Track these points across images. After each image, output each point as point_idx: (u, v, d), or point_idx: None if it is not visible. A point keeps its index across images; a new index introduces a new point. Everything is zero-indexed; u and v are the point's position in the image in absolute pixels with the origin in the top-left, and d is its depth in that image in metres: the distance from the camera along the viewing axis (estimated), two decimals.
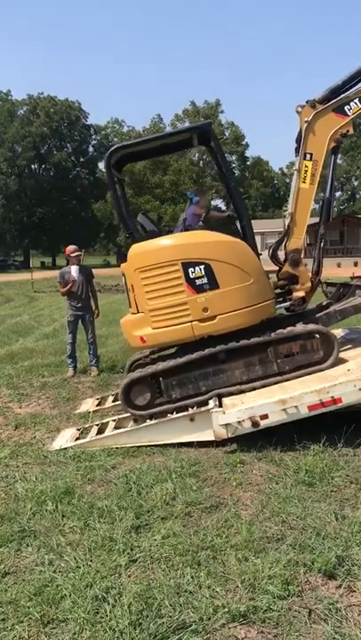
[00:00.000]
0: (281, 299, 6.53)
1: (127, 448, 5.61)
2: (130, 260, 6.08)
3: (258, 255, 6.09)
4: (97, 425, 6.27)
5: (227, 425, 5.34)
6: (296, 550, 3.53)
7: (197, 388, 5.92)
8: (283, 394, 5.40)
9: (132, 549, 3.66)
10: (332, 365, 5.81)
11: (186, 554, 3.55)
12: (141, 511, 4.18)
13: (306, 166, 6.24)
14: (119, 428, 6.03)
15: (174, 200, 49.23)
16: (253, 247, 6.08)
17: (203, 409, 5.66)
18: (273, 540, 3.70)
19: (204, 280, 5.78)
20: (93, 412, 6.94)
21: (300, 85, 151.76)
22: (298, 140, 6.36)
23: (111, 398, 7.37)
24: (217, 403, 5.70)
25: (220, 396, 5.83)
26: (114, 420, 6.27)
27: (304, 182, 6.26)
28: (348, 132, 6.33)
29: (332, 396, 5.20)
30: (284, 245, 6.44)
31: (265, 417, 5.26)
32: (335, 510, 4.04)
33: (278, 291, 6.52)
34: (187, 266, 5.79)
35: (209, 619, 2.95)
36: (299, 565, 3.38)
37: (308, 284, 6.44)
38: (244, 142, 54.28)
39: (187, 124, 52.86)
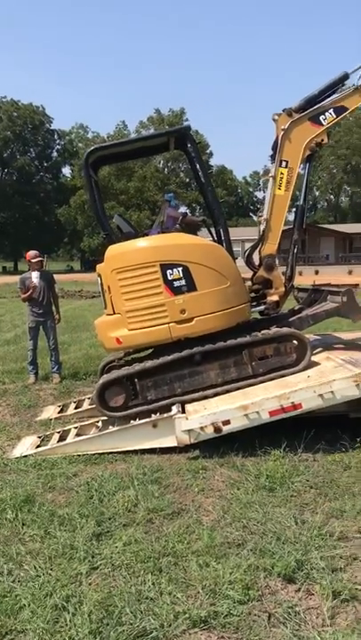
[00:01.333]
0: (255, 303, 6.62)
1: (89, 455, 5.57)
2: (107, 260, 6.07)
3: (234, 259, 6.18)
4: (58, 432, 6.21)
5: (189, 431, 5.36)
6: (257, 555, 3.57)
7: (173, 389, 5.93)
8: (245, 399, 5.46)
9: (93, 557, 3.63)
10: (305, 368, 5.91)
11: (147, 560, 3.55)
12: (103, 518, 4.15)
13: (282, 173, 6.38)
14: (81, 435, 5.98)
15: (139, 206, 49.25)
16: (230, 251, 6.17)
17: (165, 415, 5.67)
18: (234, 545, 3.73)
19: (182, 282, 5.82)
20: (55, 419, 6.87)
21: (264, 96, 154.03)
22: (274, 148, 6.49)
23: (73, 405, 7.31)
24: (180, 409, 5.72)
25: (184, 403, 5.85)
26: (75, 428, 6.22)
27: (280, 189, 6.40)
28: (322, 141, 6.50)
29: (292, 402, 5.29)
30: (259, 250, 6.54)
31: (227, 423, 5.31)
32: (295, 515, 4.09)
33: (253, 295, 6.62)
34: (165, 267, 5.82)
35: (170, 625, 2.95)
36: (259, 570, 3.41)
37: (282, 289, 6.57)
38: (208, 151, 54.77)
39: (151, 131, 53.18)
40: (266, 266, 6.49)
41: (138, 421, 5.76)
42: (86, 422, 6.37)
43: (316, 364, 6.07)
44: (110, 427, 5.90)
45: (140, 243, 6.12)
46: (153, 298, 5.84)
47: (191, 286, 5.83)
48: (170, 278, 5.82)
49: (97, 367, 9.43)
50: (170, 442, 5.53)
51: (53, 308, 9.08)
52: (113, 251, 6.07)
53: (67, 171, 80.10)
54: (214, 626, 2.95)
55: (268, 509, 4.19)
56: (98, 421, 6.34)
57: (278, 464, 4.98)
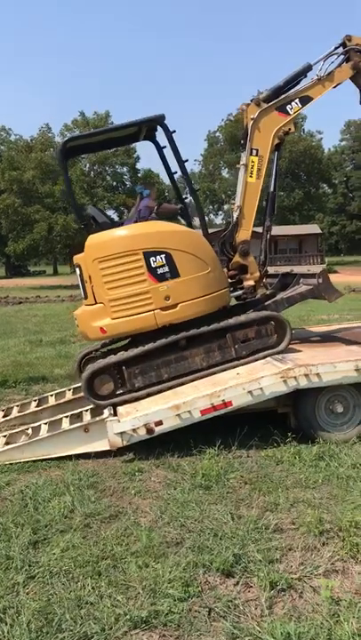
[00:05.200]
0: (232, 288, 6.71)
1: (22, 464, 5.44)
2: (87, 250, 6.02)
3: (211, 245, 6.29)
4: None
5: (122, 433, 5.34)
6: (195, 552, 3.61)
7: (160, 375, 5.94)
8: (176, 399, 5.50)
9: (30, 566, 3.55)
10: (284, 349, 6.09)
11: (86, 565, 3.51)
12: (39, 526, 4.07)
13: (252, 161, 6.55)
14: (10, 443, 5.82)
15: (65, 210, 48.47)
16: (207, 238, 6.28)
17: (97, 418, 5.63)
18: (172, 544, 3.76)
19: (166, 269, 5.89)
20: None
21: (191, 101, 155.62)
22: (244, 137, 6.64)
23: (1, 414, 7.10)
24: (112, 411, 5.69)
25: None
26: (4, 436, 6.04)
27: (251, 176, 6.56)
28: (290, 129, 6.72)
29: (223, 400, 5.38)
30: (233, 237, 6.64)
31: (159, 423, 5.34)
32: (231, 511, 4.17)
33: (230, 280, 6.71)
34: (148, 255, 5.86)
35: (111, 628, 2.93)
36: (198, 567, 3.45)
37: (257, 274, 6.73)
38: (135, 155, 54.77)
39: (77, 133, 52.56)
40: (241, 252, 6.62)
41: (69, 426, 5.68)
42: (15, 430, 6.21)
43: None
44: (41, 433, 5.79)
45: (122, 231, 6.16)
46: (137, 285, 5.87)
47: (175, 273, 5.91)
48: (153, 265, 5.87)
49: (27, 374, 9.32)
50: (103, 445, 5.49)
51: None
52: (93, 240, 6.04)
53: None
54: (155, 625, 2.96)
55: (205, 507, 4.24)
56: (27, 428, 6.19)
57: (213, 462, 5.05)
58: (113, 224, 6.55)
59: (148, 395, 5.89)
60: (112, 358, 6.00)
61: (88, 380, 5.89)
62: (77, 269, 6.25)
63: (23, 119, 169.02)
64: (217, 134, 71.77)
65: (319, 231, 59.49)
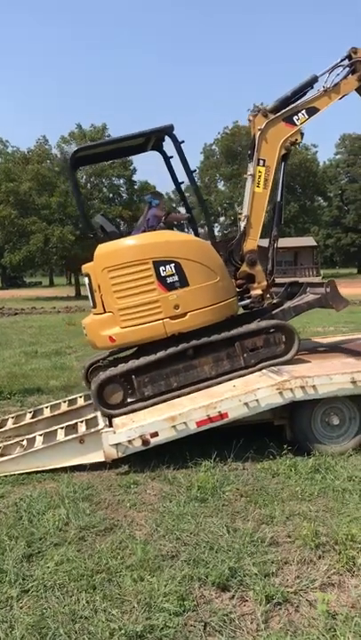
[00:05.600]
0: (239, 297, 6.74)
1: (17, 476, 5.41)
2: (97, 259, 6.05)
3: (220, 255, 6.32)
4: None
5: (117, 444, 5.32)
6: (190, 566, 3.58)
7: (169, 384, 5.95)
8: (172, 411, 5.49)
9: (23, 579, 3.52)
10: (292, 358, 6.12)
11: (80, 579, 3.48)
12: (33, 539, 4.04)
13: (260, 171, 6.61)
14: (5, 455, 5.79)
15: (62, 221, 48.55)
16: (216, 247, 6.33)
17: (92, 430, 5.60)
18: (168, 557, 3.73)
19: (175, 278, 5.93)
20: None
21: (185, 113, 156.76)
22: (251, 147, 6.71)
23: None
24: (107, 423, 5.67)
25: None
26: None
27: (258, 187, 6.62)
28: (296, 140, 6.76)
29: (219, 411, 5.38)
30: (241, 246, 6.69)
31: (155, 435, 5.32)
32: (227, 523, 4.14)
33: (237, 290, 6.73)
34: (158, 264, 5.89)
35: None
36: (193, 580, 3.42)
37: (265, 282, 6.76)
38: (131, 167, 54.97)
39: (73, 147, 52.73)
40: (248, 261, 6.66)
41: (64, 437, 5.66)
42: (10, 442, 6.18)
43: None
44: (36, 445, 5.76)
45: (131, 241, 6.20)
46: (146, 294, 5.90)
47: (184, 282, 5.95)
48: (163, 275, 5.90)
49: (22, 386, 9.29)
50: (98, 457, 5.46)
51: None
52: (103, 249, 6.07)
53: None
54: None
55: (201, 520, 4.22)
56: (22, 440, 6.16)
57: (209, 474, 5.03)
58: (121, 234, 6.59)
59: (156, 404, 5.91)
60: (122, 367, 6.01)
61: (98, 389, 5.90)
62: (86, 278, 6.27)
63: (18, 132, 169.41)
64: (213, 147, 72.19)
65: (315, 244, 59.80)
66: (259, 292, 6.73)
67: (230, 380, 5.99)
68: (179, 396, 5.91)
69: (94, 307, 6.18)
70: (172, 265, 5.92)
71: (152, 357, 5.94)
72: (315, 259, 57.58)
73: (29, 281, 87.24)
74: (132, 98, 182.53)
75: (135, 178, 56.17)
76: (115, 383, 5.96)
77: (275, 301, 7.10)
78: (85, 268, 6.26)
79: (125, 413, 5.87)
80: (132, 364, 5.98)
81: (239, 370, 6.08)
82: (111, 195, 54.99)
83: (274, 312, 6.64)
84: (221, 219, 71.12)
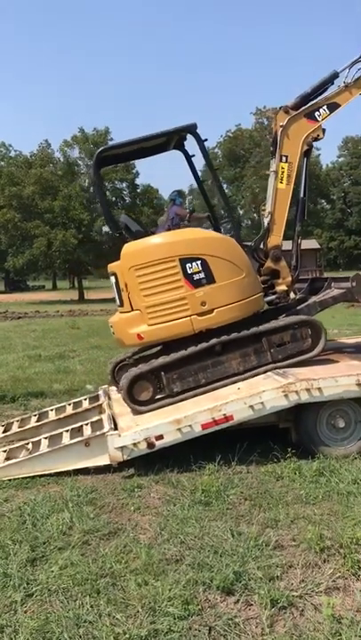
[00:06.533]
0: (264, 293, 6.75)
1: (20, 480, 5.40)
2: (123, 258, 6.10)
3: (245, 252, 6.36)
4: None
5: (122, 447, 5.32)
6: (195, 570, 3.57)
7: (197, 380, 5.99)
8: (177, 414, 5.48)
9: (28, 583, 3.51)
10: (319, 354, 6.15)
11: (85, 583, 3.47)
12: (37, 543, 4.03)
13: (282, 168, 6.65)
14: (10, 459, 5.79)
15: (65, 225, 48.54)
16: (240, 243, 6.36)
17: (98, 432, 5.60)
18: (172, 561, 3.72)
19: (202, 275, 5.97)
20: None
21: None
22: (273, 144, 6.73)
23: (1, 429, 7.06)
24: (112, 425, 5.67)
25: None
26: (4, 451, 6.01)
27: (281, 183, 6.67)
28: (318, 136, 6.77)
29: (224, 414, 5.37)
30: (265, 243, 6.72)
31: (160, 437, 5.31)
32: (231, 527, 4.13)
33: (262, 286, 6.74)
34: (184, 262, 5.94)
35: None
36: (198, 584, 3.41)
37: (289, 278, 6.77)
38: (134, 170, 54.99)
39: (76, 151, 52.81)
40: (273, 257, 6.69)
41: (69, 441, 5.65)
42: (15, 445, 6.17)
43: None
44: (41, 448, 5.75)
45: (157, 239, 6.26)
46: (173, 292, 5.95)
47: (210, 278, 5.99)
48: (189, 272, 5.95)
49: (25, 389, 9.30)
50: (103, 460, 5.46)
51: None
52: (129, 248, 6.13)
53: None
54: None
55: (205, 523, 4.21)
56: (28, 443, 6.15)
57: (213, 478, 5.01)
58: (147, 232, 6.62)
59: (185, 399, 5.94)
60: (152, 364, 6.05)
61: (128, 386, 5.95)
62: (113, 277, 6.31)
63: (21, 135, 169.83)
64: (215, 150, 72.30)
65: (318, 246, 59.78)
66: (284, 287, 6.75)
67: (257, 375, 6.02)
68: (206, 392, 5.95)
69: (121, 305, 6.24)
70: (199, 262, 5.97)
71: (181, 354, 5.98)
72: (318, 261, 57.51)
73: (32, 285, 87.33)
74: (134, 102, 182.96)
75: (138, 181, 56.12)
76: (144, 380, 6.02)
77: (298, 297, 7.11)
78: (112, 267, 6.31)
79: (154, 409, 5.92)
80: (162, 360, 6.02)
81: (266, 365, 6.10)
82: (114, 198, 54.97)
83: (299, 307, 6.66)
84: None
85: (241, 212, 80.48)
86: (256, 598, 3.27)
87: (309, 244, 58.72)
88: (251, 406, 5.38)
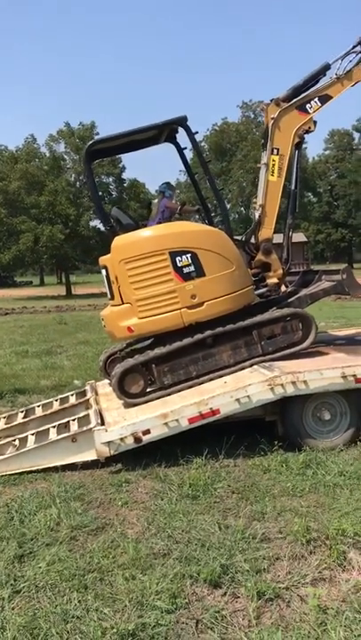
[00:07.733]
0: (255, 286, 6.75)
1: (7, 476, 5.39)
2: (114, 251, 6.11)
3: (235, 245, 6.36)
4: None
5: (109, 442, 5.32)
6: (182, 563, 3.58)
7: (188, 373, 6.02)
8: (164, 408, 5.49)
9: (15, 580, 3.51)
10: (309, 346, 6.19)
11: (72, 578, 3.48)
12: (24, 540, 4.03)
13: (273, 160, 6.65)
14: None
15: (51, 220, 48.29)
16: (231, 237, 6.37)
17: (85, 428, 5.59)
18: (160, 555, 3.73)
19: (191, 268, 5.99)
20: None
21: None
22: (265, 136, 6.73)
23: None
24: (99, 421, 5.66)
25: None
26: None
27: (272, 175, 6.67)
28: (309, 128, 6.76)
29: (210, 408, 5.38)
30: (256, 236, 6.72)
31: (147, 432, 5.32)
32: (218, 520, 4.15)
33: (253, 278, 6.74)
34: (174, 255, 5.96)
35: None
36: (185, 578, 3.42)
37: (280, 271, 6.78)
38: (120, 165, 54.76)
39: (62, 146, 52.46)
40: (264, 250, 6.70)
41: (57, 436, 5.64)
42: (2, 442, 6.14)
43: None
44: (28, 444, 5.73)
45: (147, 232, 6.27)
46: (163, 285, 5.97)
47: (200, 272, 6.01)
48: (179, 265, 5.97)
49: (12, 386, 9.26)
50: (90, 455, 5.46)
51: None
52: (120, 241, 6.14)
53: None
54: (143, 638, 2.93)
55: (192, 517, 4.22)
56: (15, 440, 6.13)
57: (200, 472, 5.03)
58: (137, 226, 6.62)
59: (176, 392, 5.98)
60: (143, 357, 6.06)
61: (119, 378, 5.97)
62: (103, 270, 6.31)
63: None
64: (202, 144, 72.18)
65: (305, 239, 60.01)
66: (275, 280, 6.77)
67: (249, 367, 6.05)
68: (198, 384, 5.99)
69: (112, 298, 6.25)
70: (189, 255, 5.98)
71: (172, 346, 5.99)
72: (305, 254, 57.77)
73: (20, 280, 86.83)
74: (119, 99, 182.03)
75: (124, 176, 55.96)
76: (136, 372, 6.03)
77: (289, 290, 7.14)
78: (102, 260, 6.32)
79: (146, 402, 5.94)
80: (153, 352, 6.03)
81: (257, 357, 6.12)
82: (101, 193, 54.71)
83: (290, 300, 6.68)
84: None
85: (228, 205, 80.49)
86: (243, 591, 3.29)
87: (297, 237, 58.77)
88: (237, 400, 5.40)
